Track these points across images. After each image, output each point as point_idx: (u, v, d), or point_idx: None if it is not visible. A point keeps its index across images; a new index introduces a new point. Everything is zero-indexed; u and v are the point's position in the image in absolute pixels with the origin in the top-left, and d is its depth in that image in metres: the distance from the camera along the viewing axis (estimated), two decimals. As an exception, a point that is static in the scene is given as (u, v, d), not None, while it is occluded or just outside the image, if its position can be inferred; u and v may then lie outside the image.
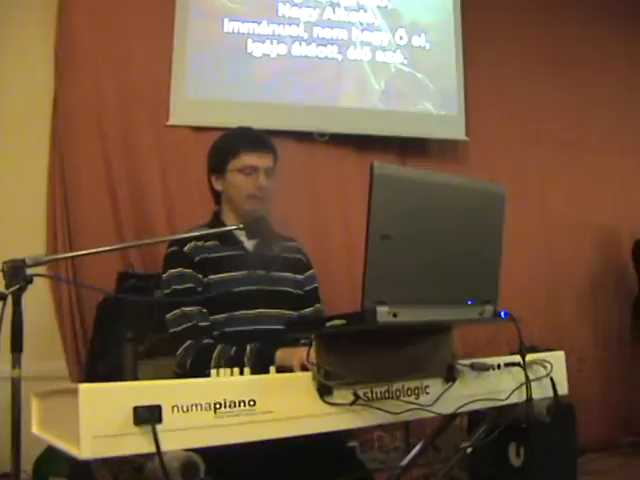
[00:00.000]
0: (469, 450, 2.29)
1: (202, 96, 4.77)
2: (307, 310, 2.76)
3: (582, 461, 5.19)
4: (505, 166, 5.64)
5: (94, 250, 2.36)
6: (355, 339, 1.80)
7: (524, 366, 2.06)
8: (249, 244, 2.72)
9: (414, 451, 2.50)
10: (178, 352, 2.46)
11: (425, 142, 5.38)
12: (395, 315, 1.63)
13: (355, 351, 1.81)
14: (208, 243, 2.63)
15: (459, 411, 2.00)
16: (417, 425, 4.29)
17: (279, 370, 1.83)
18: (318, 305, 2.83)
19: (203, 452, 1.59)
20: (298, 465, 2.17)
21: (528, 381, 2.07)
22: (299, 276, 2.79)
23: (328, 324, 1.68)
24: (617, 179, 6.32)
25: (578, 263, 5.98)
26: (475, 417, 2.68)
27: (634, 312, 5.70)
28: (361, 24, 5.17)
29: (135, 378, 2.87)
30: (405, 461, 2.55)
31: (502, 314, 1.88)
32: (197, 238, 2.60)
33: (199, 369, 2.28)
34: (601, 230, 6.16)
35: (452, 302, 1.80)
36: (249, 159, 2.67)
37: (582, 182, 6.12)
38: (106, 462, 1.56)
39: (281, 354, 2.26)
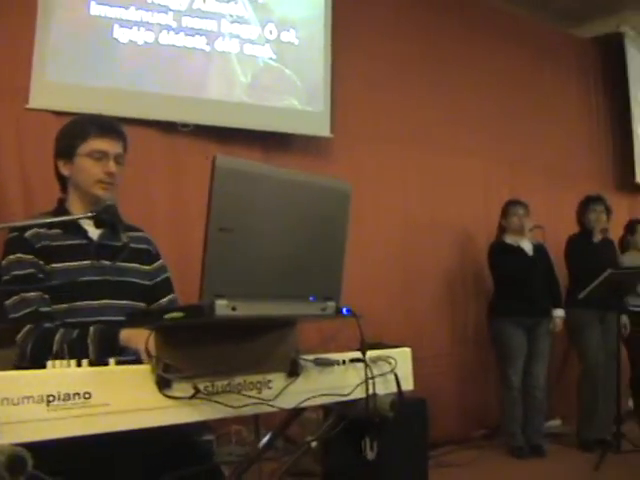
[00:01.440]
0: (314, 444, 2.31)
1: (65, 80, 4.61)
2: (162, 301, 2.72)
3: (437, 454, 5.35)
4: (368, 164, 5.72)
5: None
6: (197, 332, 1.79)
7: (365, 362, 2.09)
8: (94, 233, 2.64)
9: (260, 445, 2.51)
10: (18, 337, 2.38)
11: (289, 137, 5.38)
12: (234, 309, 1.63)
13: (196, 344, 1.80)
14: (51, 231, 2.54)
15: (301, 406, 2.02)
16: (270, 419, 4.30)
17: (124, 352, 1.80)
18: (172, 295, 2.79)
19: (36, 446, 1.54)
20: (137, 459, 2.14)
21: (370, 377, 2.11)
22: (146, 267, 2.74)
23: (166, 316, 1.67)
24: (478, 182, 6.51)
25: (437, 263, 6.13)
26: (330, 411, 2.71)
27: (489, 312, 5.88)
28: (231, 16, 5.12)
29: (-23, 369, 2.76)
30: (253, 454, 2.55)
31: (344, 310, 1.90)
32: (41, 225, 2.53)
33: (41, 353, 2.23)
34: (460, 231, 6.33)
35: (294, 297, 1.81)
36: (99, 144, 2.61)
37: (444, 183, 6.27)
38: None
39: (126, 334, 2.21)
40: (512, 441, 5.68)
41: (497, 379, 5.86)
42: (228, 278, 1.65)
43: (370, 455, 4.15)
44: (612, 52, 7.96)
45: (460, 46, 6.57)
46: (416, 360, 5.60)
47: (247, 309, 1.66)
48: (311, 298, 1.83)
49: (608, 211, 6.08)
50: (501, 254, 5.79)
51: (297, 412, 2.34)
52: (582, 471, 5.15)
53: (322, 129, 5.39)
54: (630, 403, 6.78)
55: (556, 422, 6.63)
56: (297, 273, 1.82)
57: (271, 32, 5.25)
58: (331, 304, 1.87)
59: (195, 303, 1.61)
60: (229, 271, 1.65)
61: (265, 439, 2.50)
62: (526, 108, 7.06)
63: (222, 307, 1.61)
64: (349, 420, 2.29)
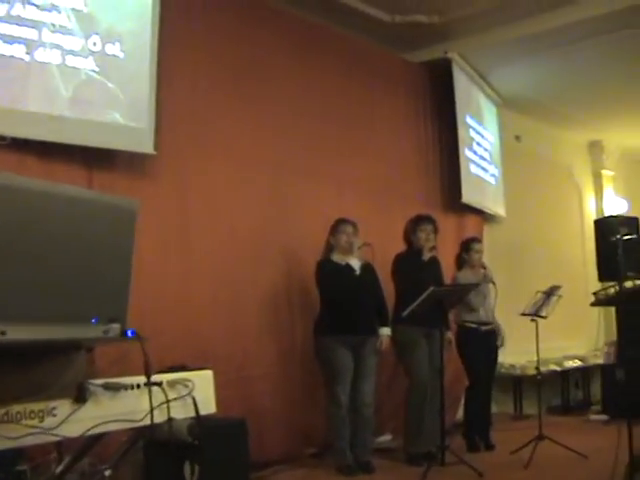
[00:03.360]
0: (108, 473, 2.22)
1: None
2: None
3: (265, 474, 5.34)
4: (195, 183, 5.64)
5: None
6: (-31, 359, 1.68)
7: (150, 385, 2.02)
8: None
9: (58, 471, 2.40)
10: None
11: (113, 154, 5.17)
12: (3, 333, 1.53)
13: (-32, 371, 1.69)
14: None
15: (90, 433, 1.93)
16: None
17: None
18: None
19: None
20: None
21: (166, 402, 2.05)
22: None
23: None
24: (305, 200, 6.51)
25: (263, 281, 6.08)
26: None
27: (315, 330, 5.85)
28: (53, 25, 4.86)
29: None
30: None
31: (129, 333, 1.83)
32: None
33: None
34: (288, 249, 6.31)
35: (74, 320, 1.73)
36: None
37: (272, 201, 6.25)
38: None
39: None
40: (341, 459, 5.69)
41: (325, 397, 5.85)
42: (-3, 300, 1.55)
43: (191, 479, 4.09)
44: (441, 77, 8.19)
45: (290, 64, 6.57)
46: (242, 379, 5.57)
47: (19, 333, 1.56)
48: (93, 320, 1.75)
49: (436, 230, 6.25)
50: (328, 272, 5.79)
51: (96, 438, 2.23)
52: (408, 485, 5.25)
53: (146, 146, 5.20)
54: (460, 414, 6.98)
55: (387, 437, 6.72)
56: (78, 294, 1.73)
57: (95, 44, 5.02)
58: (115, 326, 1.79)
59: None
60: (-1, 293, 1.55)
61: (61, 467, 2.39)
62: (356, 128, 7.15)
63: (-12, 331, 1.51)
64: (152, 445, 2.22)
